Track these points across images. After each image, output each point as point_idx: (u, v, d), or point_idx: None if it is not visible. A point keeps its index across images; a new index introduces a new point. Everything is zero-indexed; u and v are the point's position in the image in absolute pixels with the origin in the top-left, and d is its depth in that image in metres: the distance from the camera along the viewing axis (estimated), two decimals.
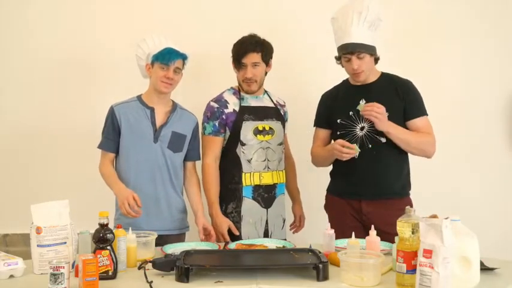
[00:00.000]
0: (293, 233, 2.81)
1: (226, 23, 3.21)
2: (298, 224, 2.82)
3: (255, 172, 2.55)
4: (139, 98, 2.52)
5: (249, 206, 2.55)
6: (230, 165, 2.57)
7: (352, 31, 2.33)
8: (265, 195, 2.58)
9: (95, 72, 3.24)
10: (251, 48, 2.53)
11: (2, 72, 3.25)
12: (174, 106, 2.55)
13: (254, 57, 2.53)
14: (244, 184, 2.54)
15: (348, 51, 2.35)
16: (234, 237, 2.48)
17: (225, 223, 2.48)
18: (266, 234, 2.57)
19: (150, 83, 2.52)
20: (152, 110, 2.48)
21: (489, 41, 3.31)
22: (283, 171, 2.67)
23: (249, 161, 2.54)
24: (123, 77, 3.11)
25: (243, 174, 2.54)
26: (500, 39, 3.32)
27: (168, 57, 2.39)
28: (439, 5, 3.31)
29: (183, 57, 2.46)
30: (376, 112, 2.26)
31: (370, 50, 2.35)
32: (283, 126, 2.69)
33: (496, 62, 3.32)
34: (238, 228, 2.52)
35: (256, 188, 2.56)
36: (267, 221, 2.58)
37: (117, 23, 3.23)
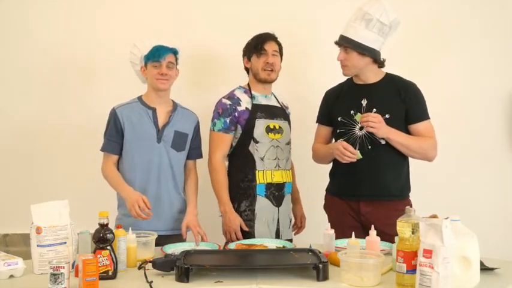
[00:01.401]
0: (294, 234, 2.80)
1: (230, 24, 3.22)
2: (299, 224, 2.81)
3: (267, 170, 2.56)
4: (140, 99, 2.52)
5: (263, 204, 2.55)
6: (242, 163, 2.56)
7: (349, 25, 2.38)
8: (276, 193, 2.59)
9: (95, 73, 3.25)
10: (272, 37, 2.63)
11: (3, 72, 3.25)
12: (175, 106, 2.55)
13: (274, 45, 2.62)
14: (258, 182, 2.54)
15: (336, 42, 2.42)
16: (247, 236, 2.49)
17: (237, 220, 2.48)
18: (278, 233, 2.57)
19: (148, 85, 2.51)
20: (154, 110, 2.48)
21: (489, 41, 3.31)
22: (290, 170, 2.69)
23: (262, 159, 2.55)
24: (123, 78, 3.10)
25: (257, 172, 2.54)
26: (501, 39, 3.32)
27: (158, 54, 2.41)
28: (439, 5, 3.31)
29: (173, 51, 2.46)
30: (372, 122, 2.26)
31: (359, 48, 2.35)
32: (290, 127, 2.72)
33: (496, 62, 3.32)
34: (252, 227, 2.53)
35: (269, 186, 2.57)
36: (278, 219, 2.59)
37: (118, 23, 3.24)
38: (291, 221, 2.70)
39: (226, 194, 2.53)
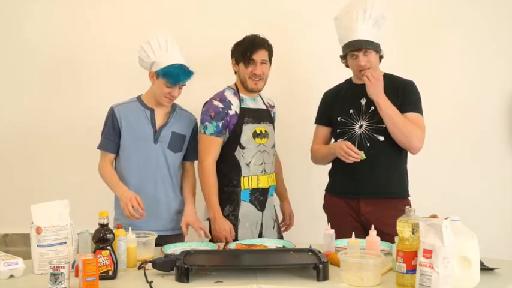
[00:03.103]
0: (283, 231, 2.78)
1: (225, 22, 3.21)
2: (288, 222, 2.81)
3: (252, 176, 2.53)
4: (139, 98, 2.52)
5: (247, 210, 2.53)
6: (228, 169, 2.53)
7: (358, 28, 2.34)
8: (261, 198, 2.57)
9: (96, 73, 3.24)
10: (262, 45, 2.52)
11: (1, 72, 3.25)
12: (174, 107, 2.54)
13: (263, 54, 2.52)
14: (242, 188, 2.52)
15: (355, 48, 2.36)
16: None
17: (228, 225, 2.46)
18: (260, 236, 2.56)
19: (151, 89, 2.48)
20: (152, 111, 2.48)
21: (490, 41, 3.31)
22: (274, 173, 2.67)
23: (248, 165, 2.52)
24: (121, 77, 3.11)
25: (242, 178, 2.52)
26: (502, 38, 3.32)
27: (177, 79, 2.35)
28: (439, 4, 3.31)
29: (190, 76, 2.40)
30: (371, 75, 2.28)
31: (376, 47, 2.37)
32: (274, 129, 2.68)
33: (497, 61, 3.31)
34: (236, 231, 2.50)
35: (253, 192, 2.55)
36: (261, 223, 2.58)
37: (116, 22, 3.23)
38: (275, 222, 2.68)
39: (216, 199, 2.49)
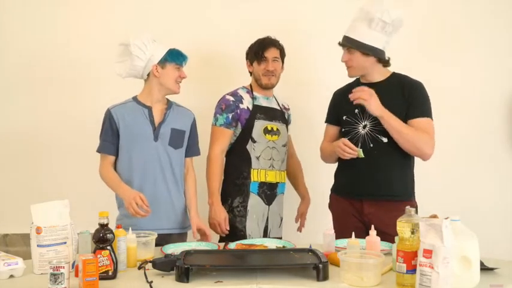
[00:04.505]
0: (300, 232, 2.86)
1: (233, 24, 3.21)
2: (301, 222, 2.87)
3: (261, 169, 2.63)
4: (135, 98, 2.51)
5: (255, 202, 2.62)
6: (239, 161, 2.63)
7: (351, 26, 2.38)
8: (268, 192, 2.66)
9: (95, 72, 3.24)
10: (272, 43, 2.67)
11: (2, 70, 3.25)
12: (170, 104, 2.54)
13: (274, 52, 2.66)
14: (252, 180, 2.61)
15: (340, 43, 2.42)
16: (237, 231, 2.55)
17: (223, 213, 2.54)
18: (266, 231, 2.65)
19: (151, 85, 2.47)
20: (150, 109, 2.47)
21: (492, 39, 3.31)
22: (285, 171, 2.75)
23: (258, 158, 2.62)
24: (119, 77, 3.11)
25: (252, 170, 2.61)
26: (505, 37, 3.32)
27: (182, 58, 2.47)
28: (440, 5, 3.31)
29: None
30: (362, 95, 2.27)
31: (362, 48, 2.35)
32: (287, 129, 2.78)
33: (498, 61, 3.32)
34: (243, 223, 2.60)
35: (261, 185, 2.64)
36: (267, 217, 2.66)
37: (113, 22, 3.23)
38: (281, 220, 2.75)
39: (217, 186, 2.59)
